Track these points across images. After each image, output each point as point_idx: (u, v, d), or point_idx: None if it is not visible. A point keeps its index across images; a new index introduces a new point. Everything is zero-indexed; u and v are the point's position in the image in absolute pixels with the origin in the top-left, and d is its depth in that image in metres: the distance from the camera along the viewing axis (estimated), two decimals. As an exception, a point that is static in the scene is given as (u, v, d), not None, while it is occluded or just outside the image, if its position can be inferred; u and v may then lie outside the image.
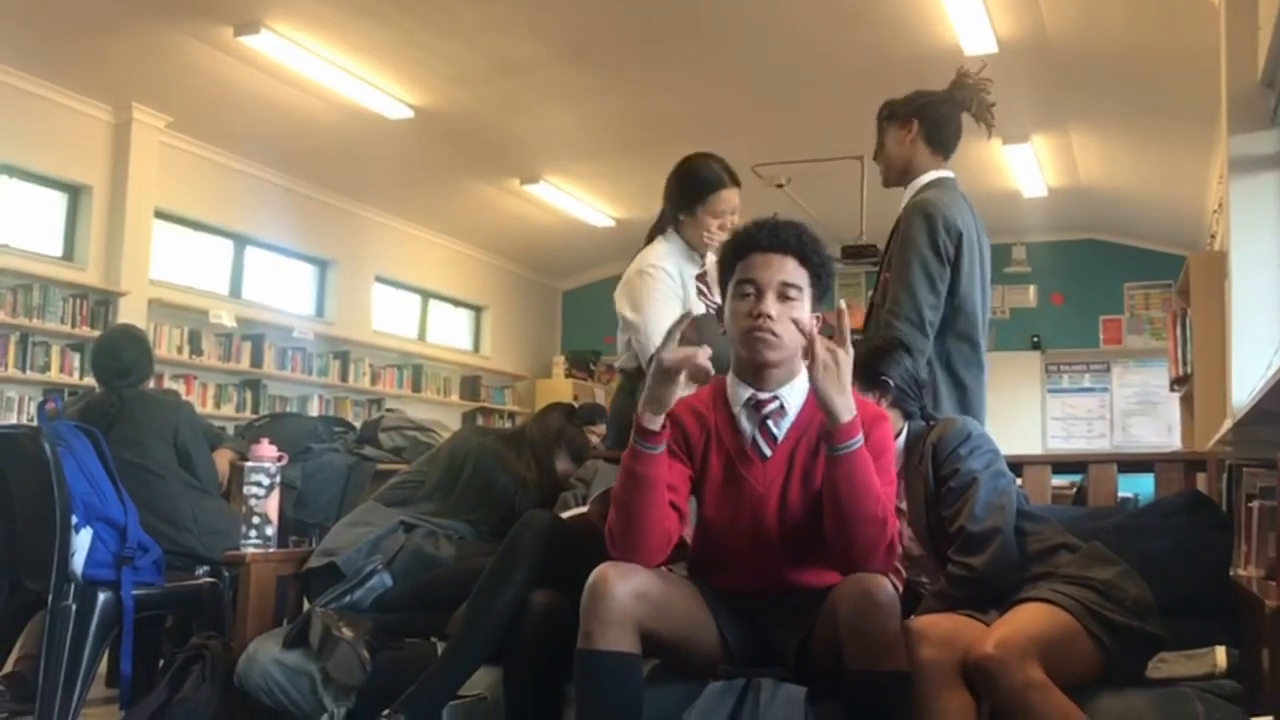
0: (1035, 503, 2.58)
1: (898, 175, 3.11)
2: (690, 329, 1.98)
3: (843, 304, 1.96)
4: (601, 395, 11.21)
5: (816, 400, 1.94)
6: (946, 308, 2.91)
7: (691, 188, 3.20)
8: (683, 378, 1.94)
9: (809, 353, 1.93)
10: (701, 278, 3.29)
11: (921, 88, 3.11)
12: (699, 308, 3.18)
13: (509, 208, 9.30)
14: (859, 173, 6.84)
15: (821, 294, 2.09)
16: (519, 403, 11.01)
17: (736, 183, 3.22)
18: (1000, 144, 7.60)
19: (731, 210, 3.20)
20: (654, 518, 1.96)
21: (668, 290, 3.16)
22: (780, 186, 7.67)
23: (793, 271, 2.04)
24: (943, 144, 3.09)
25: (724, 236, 3.19)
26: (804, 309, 2.04)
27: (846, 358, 1.93)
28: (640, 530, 1.96)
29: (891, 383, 2.45)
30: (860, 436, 1.92)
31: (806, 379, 2.09)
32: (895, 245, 2.94)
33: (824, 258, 2.07)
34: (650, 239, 3.28)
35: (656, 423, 1.95)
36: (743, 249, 2.07)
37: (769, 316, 2.01)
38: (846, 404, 1.92)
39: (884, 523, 1.91)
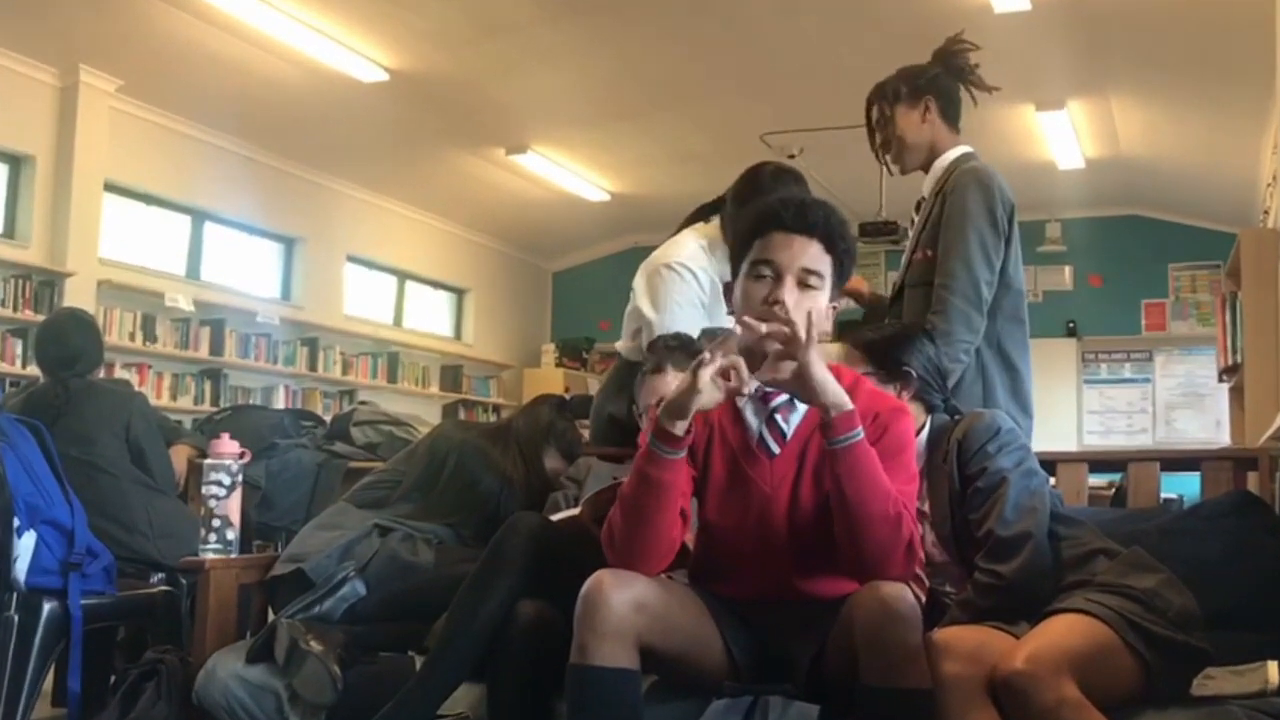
0: (1070, 504, 2.59)
1: (919, 160, 3.15)
2: (727, 348, 1.99)
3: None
4: (595, 387, 11.22)
5: (815, 394, 1.94)
6: (998, 286, 2.96)
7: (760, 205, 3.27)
8: (710, 396, 1.94)
9: (798, 340, 1.93)
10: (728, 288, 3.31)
11: (904, 64, 3.14)
12: (724, 320, 3.20)
13: (494, 180, 9.29)
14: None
15: (839, 284, 2.10)
16: (505, 395, 11.02)
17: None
18: (1033, 111, 7.60)
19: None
20: (664, 525, 1.96)
21: (693, 295, 3.22)
22: (792, 158, 7.65)
23: (816, 257, 2.04)
24: (956, 118, 3.15)
25: None
26: (821, 300, 2.05)
27: (811, 342, 1.93)
28: (648, 538, 1.96)
29: (913, 373, 2.45)
30: (859, 430, 1.93)
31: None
32: (945, 216, 2.98)
33: (850, 245, 2.07)
34: (692, 220, 3.33)
35: (680, 427, 1.95)
36: (763, 225, 2.07)
37: (784, 304, 2.01)
38: (838, 398, 1.93)
39: (897, 521, 1.91)
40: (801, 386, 1.92)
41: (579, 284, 11.60)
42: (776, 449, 2.09)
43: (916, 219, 3.20)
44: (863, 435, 1.92)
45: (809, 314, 1.97)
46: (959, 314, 2.88)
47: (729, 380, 1.92)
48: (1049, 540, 2.22)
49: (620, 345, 3.38)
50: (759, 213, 2.09)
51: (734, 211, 3.26)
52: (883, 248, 9.80)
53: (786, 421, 2.10)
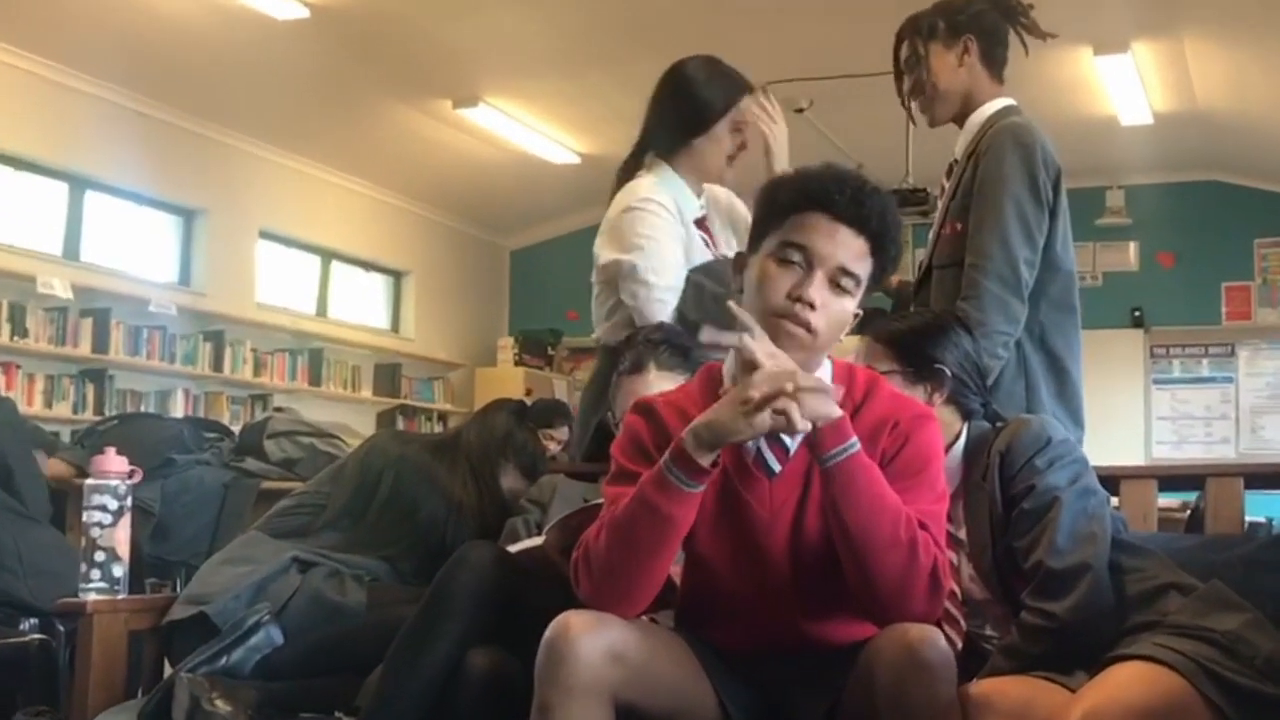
0: (1136, 529, 2.60)
1: (951, 110, 3.17)
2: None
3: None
4: (563, 389, 11.21)
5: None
6: (1041, 266, 2.98)
7: (708, 94, 3.28)
8: (761, 425, 1.95)
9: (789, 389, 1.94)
10: (703, 224, 3.34)
11: None
12: (701, 258, 3.23)
13: (439, 139, 9.29)
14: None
15: (870, 290, 2.12)
16: (453, 400, 11.02)
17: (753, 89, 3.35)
18: (1091, 54, 7.63)
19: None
20: (660, 566, 1.98)
21: (670, 229, 3.21)
22: (800, 111, 7.67)
23: (859, 257, 2.05)
24: (1000, 64, 3.17)
25: (741, 160, 3.32)
26: (849, 306, 2.07)
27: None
28: (638, 578, 1.97)
29: (947, 371, 2.46)
30: (853, 441, 1.94)
31: (826, 370, 2.10)
32: (977, 182, 3.00)
33: (899, 249, 2.08)
34: (625, 178, 3.32)
35: (710, 458, 1.96)
36: (806, 202, 2.06)
37: (811, 304, 2.02)
38: (822, 409, 1.95)
39: (910, 548, 1.92)
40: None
41: (542, 265, 11.60)
42: (777, 466, 2.10)
43: (947, 185, 3.22)
44: (858, 448, 1.94)
45: (836, 319, 2.03)
46: (994, 300, 2.90)
47: (779, 414, 1.92)
48: (1110, 573, 2.22)
49: (599, 333, 3.38)
50: (804, 185, 2.08)
51: (680, 106, 3.28)
52: (910, 221, 9.79)
53: (790, 434, 2.09)
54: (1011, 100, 3.16)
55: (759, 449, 2.10)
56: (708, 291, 3.07)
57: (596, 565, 1.97)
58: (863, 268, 2.05)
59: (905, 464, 2.02)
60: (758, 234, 2.12)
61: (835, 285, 2.03)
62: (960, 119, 3.17)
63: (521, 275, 11.95)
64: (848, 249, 2.04)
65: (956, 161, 3.19)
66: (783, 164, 3.30)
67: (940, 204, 3.21)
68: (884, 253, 2.07)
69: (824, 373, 2.12)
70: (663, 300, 3.12)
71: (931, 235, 3.20)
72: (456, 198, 10.71)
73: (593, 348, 3.67)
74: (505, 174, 10.01)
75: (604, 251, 3.24)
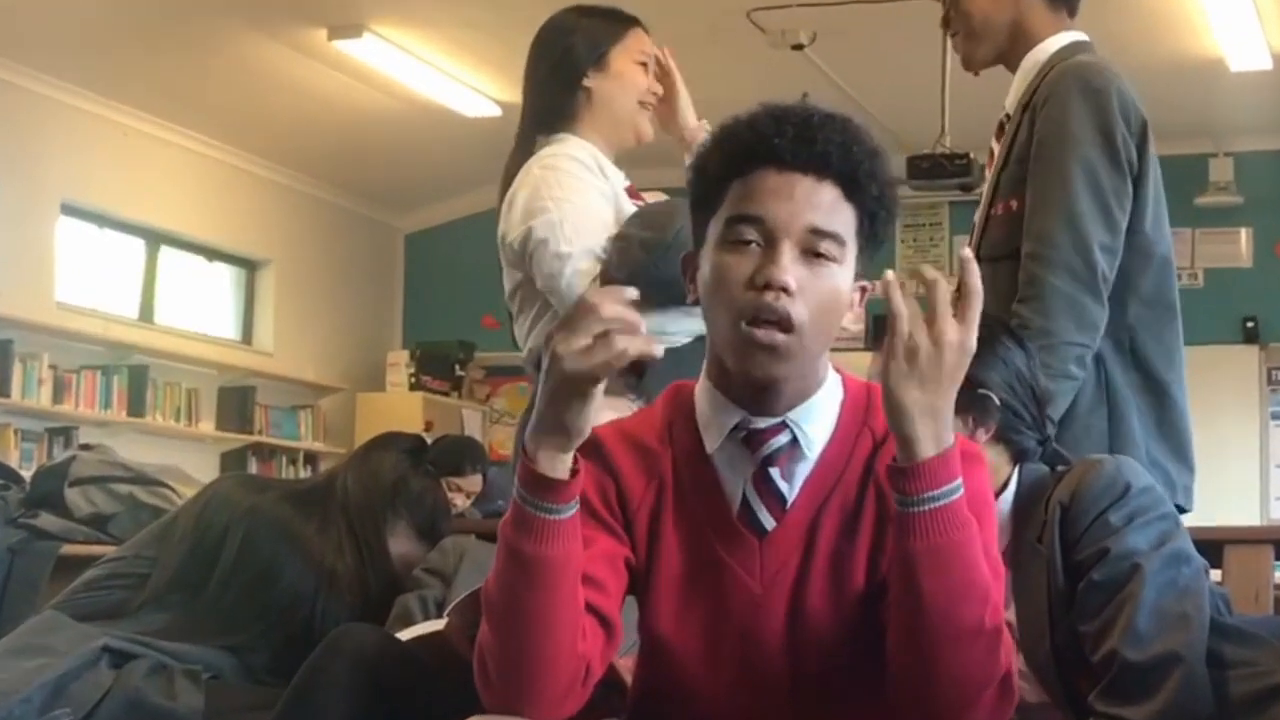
0: (1243, 611, 2.62)
1: (995, 49, 3.23)
2: (629, 248, 1.99)
3: (890, 275, 1.98)
4: (476, 423, 11.20)
5: (888, 414, 1.95)
6: (1125, 252, 3.04)
7: (588, 28, 3.53)
8: (599, 386, 1.93)
9: (887, 332, 1.94)
10: (636, 194, 3.48)
11: None
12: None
13: (309, 82, 9.29)
14: (938, 24, 6.88)
15: (870, 252, 2.12)
16: (325, 435, 11.00)
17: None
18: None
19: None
20: (558, 639, 1.95)
21: (590, 183, 3.36)
22: (799, 49, 7.73)
23: (832, 209, 2.04)
24: None
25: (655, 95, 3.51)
26: (842, 277, 2.06)
27: (955, 342, 1.95)
28: (532, 661, 1.95)
29: (993, 397, 2.49)
30: (958, 483, 1.93)
31: (836, 391, 2.11)
32: (1035, 143, 3.04)
33: (887, 186, 2.08)
34: (513, 169, 3.47)
35: (559, 463, 1.95)
36: (741, 160, 2.07)
37: (785, 289, 2.02)
38: (932, 427, 1.93)
39: (992, 641, 1.93)
40: (922, 385, 1.93)
41: (450, 254, 11.60)
42: (770, 522, 2.10)
43: (997, 149, 3.24)
44: (961, 494, 1.94)
45: (824, 301, 2.00)
46: (1062, 300, 2.93)
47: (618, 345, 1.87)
48: (1211, 668, 2.24)
49: (528, 345, 3.42)
50: (734, 139, 2.09)
51: (563, 57, 3.50)
52: (945, 199, 9.89)
53: (788, 476, 2.10)
54: (1081, 34, 3.19)
55: (746, 497, 2.10)
56: (636, 241, 3.14)
57: (487, 653, 1.98)
58: (841, 221, 2.05)
59: None
60: (698, 223, 2.13)
61: (812, 253, 2.03)
62: (1011, 60, 3.21)
63: (421, 267, 11.95)
64: (812, 202, 2.04)
65: (1008, 117, 3.22)
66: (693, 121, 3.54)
67: (989, 175, 3.24)
68: (863, 193, 2.07)
69: (831, 393, 2.12)
70: (585, 274, 3.18)
71: (978, 216, 3.23)
72: (333, 162, 10.71)
73: (520, 366, 3.69)
74: (399, 130, 10.01)
75: (507, 229, 3.38)
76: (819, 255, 2.03)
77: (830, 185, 2.05)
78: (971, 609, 1.92)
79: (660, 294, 2.76)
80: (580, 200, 3.29)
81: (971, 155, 7.20)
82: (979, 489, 2.07)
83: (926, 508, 1.92)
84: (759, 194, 2.05)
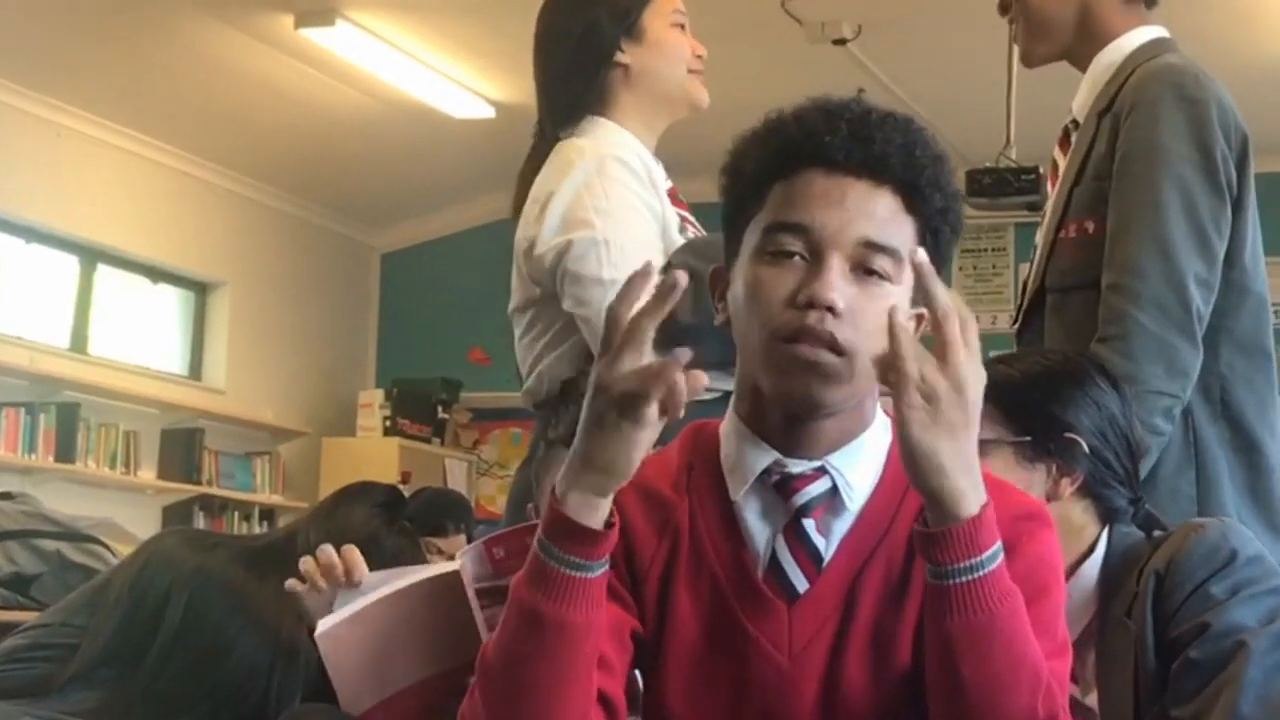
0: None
1: (1059, 45, 3.25)
2: (667, 290, 1.95)
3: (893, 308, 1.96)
4: (461, 474, 11.19)
5: (906, 468, 1.94)
6: (1220, 288, 3.03)
7: (617, 2, 3.48)
8: (653, 411, 1.91)
9: (889, 369, 1.93)
10: (678, 199, 3.46)
11: None
12: (679, 240, 3.32)
13: (273, 77, 9.33)
14: (1000, 25, 6.90)
15: (938, 264, 2.10)
16: (283, 487, 11.02)
17: None
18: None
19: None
20: (564, 713, 1.96)
21: (640, 195, 3.32)
22: (842, 43, 7.75)
23: (889, 221, 2.04)
24: None
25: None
26: (899, 299, 2.03)
27: (972, 377, 1.93)
28: None
29: (1081, 443, 2.49)
30: (999, 546, 1.92)
31: (883, 436, 2.10)
32: (1118, 156, 3.05)
33: (953, 197, 2.09)
34: (544, 146, 3.46)
35: (596, 510, 1.92)
36: (786, 159, 2.07)
37: (831, 309, 2.01)
38: (969, 479, 1.92)
39: None
40: (942, 433, 1.89)
41: (432, 277, 11.66)
42: (802, 584, 2.09)
43: (1061, 162, 3.24)
44: (1000, 562, 1.92)
45: (877, 327, 1.96)
46: (1150, 342, 2.93)
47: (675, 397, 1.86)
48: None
49: (534, 378, 3.43)
50: (779, 137, 2.10)
51: (586, 29, 3.46)
52: (1011, 218, 9.90)
53: (825, 531, 2.10)
54: (1161, 30, 3.20)
55: (775, 555, 2.10)
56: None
57: None
58: (900, 236, 2.04)
59: None
60: (732, 233, 2.13)
61: (864, 271, 2.02)
62: (1079, 58, 3.21)
63: (399, 293, 11.98)
64: (867, 211, 2.03)
65: (1076, 124, 3.22)
66: None
67: (1053, 193, 3.24)
68: (926, 205, 2.06)
69: (878, 437, 2.11)
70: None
71: (1042, 239, 3.23)
72: (299, 169, 10.74)
73: (517, 408, 3.69)
74: (376, 133, 10.05)
75: (536, 236, 3.32)
76: (872, 273, 2.03)
77: (888, 193, 2.05)
78: (1019, 696, 1.92)
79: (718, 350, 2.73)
80: (629, 218, 3.27)
81: (1041, 170, 7.19)
82: (1044, 555, 2.07)
83: (967, 578, 1.91)
84: (805, 199, 2.05)
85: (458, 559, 2.46)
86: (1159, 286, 2.96)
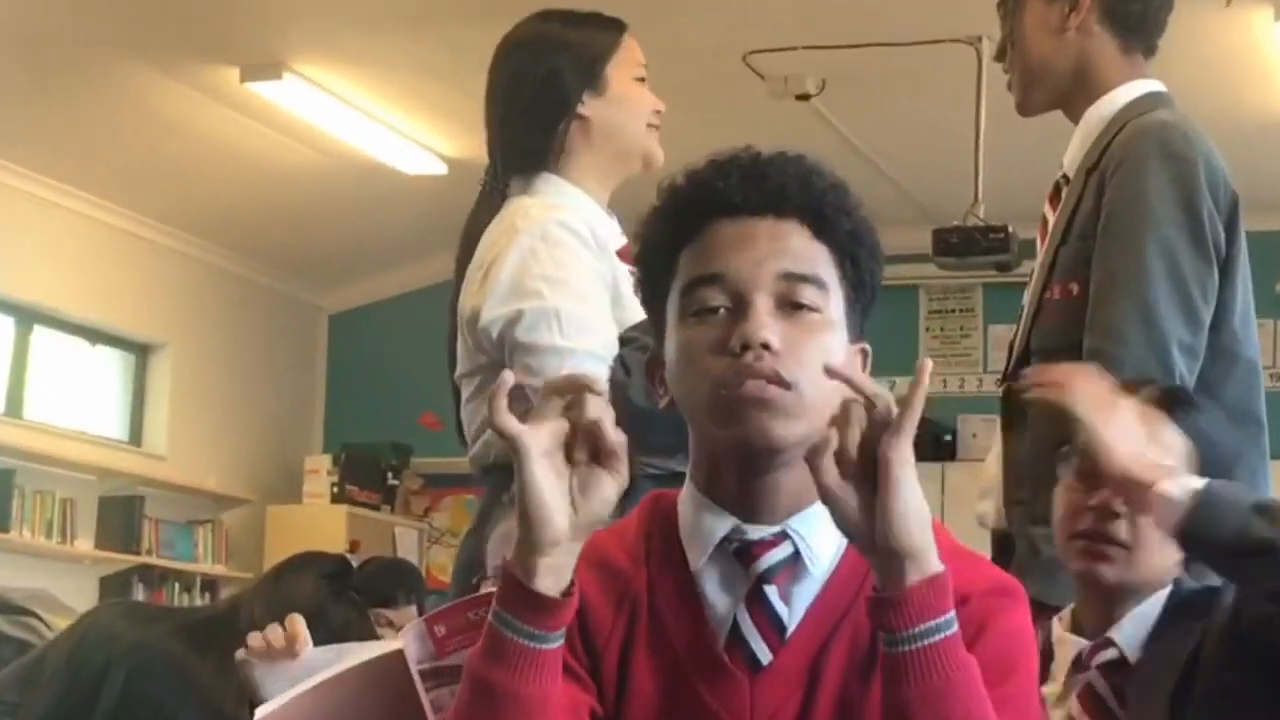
0: None
1: (1052, 95, 3.27)
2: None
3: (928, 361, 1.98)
4: (412, 542, 11.15)
5: (846, 531, 1.95)
6: (1208, 355, 3.05)
7: (583, 52, 3.48)
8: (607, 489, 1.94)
9: (837, 419, 1.94)
10: (629, 256, 3.42)
11: None
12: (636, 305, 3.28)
13: (217, 131, 9.33)
14: (971, 72, 6.92)
15: (864, 302, 2.14)
16: (228, 556, 10.98)
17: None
18: (1271, 18, 7.76)
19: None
20: None
21: (589, 262, 3.32)
22: (805, 99, 7.77)
23: (805, 251, 2.07)
24: (1138, 28, 3.26)
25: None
26: (835, 331, 2.07)
27: (903, 435, 1.94)
28: None
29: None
30: (952, 613, 1.93)
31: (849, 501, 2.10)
32: (1104, 215, 3.07)
33: (862, 225, 2.11)
34: (489, 205, 3.47)
35: (545, 573, 1.92)
36: (688, 218, 2.11)
37: (768, 346, 2.03)
38: (924, 537, 1.93)
39: None
40: (891, 491, 1.91)
41: (382, 339, 11.66)
42: (765, 655, 2.08)
43: (1051, 219, 3.26)
44: (954, 630, 1.94)
45: (817, 359, 1.99)
46: None
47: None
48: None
49: (477, 448, 3.43)
50: (675, 199, 2.14)
51: (522, 119, 3.47)
52: (979, 278, 9.92)
53: (788, 598, 2.09)
54: (1157, 84, 3.21)
55: (736, 624, 2.09)
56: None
57: None
58: (817, 263, 2.08)
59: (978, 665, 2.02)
60: (654, 312, 2.16)
61: (791, 306, 2.05)
62: (1073, 109, 3.23)
63: (348, 354, 11.97)
64: (779, 245, 2.07)
65: (1066, 179, 3.23)
66: None
67: (1041, 250, 3.25)
68: (834, 229, 2.09)
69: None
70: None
71: (1028, 301, 3.24)
72: (243, 227, 10.73)
73: (467, 474, 3.68)
74: (324, 190, 10.07)
75: (480, 307, 3.31)
76: (800, 307, 2.05)
77: (795, 224, 2.08)
78: None
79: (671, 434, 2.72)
80: (579, 286, 3.26)
81: (1010, 229, 7.22)
82: (1015, 630, 2.07)
83: (908, 647, 1.92)
84: (715, 250, 2.08)
85: (401, 637, 2.47)
86: (1141, 353, 2.96)
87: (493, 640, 1.94)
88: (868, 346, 2.13)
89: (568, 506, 1.94)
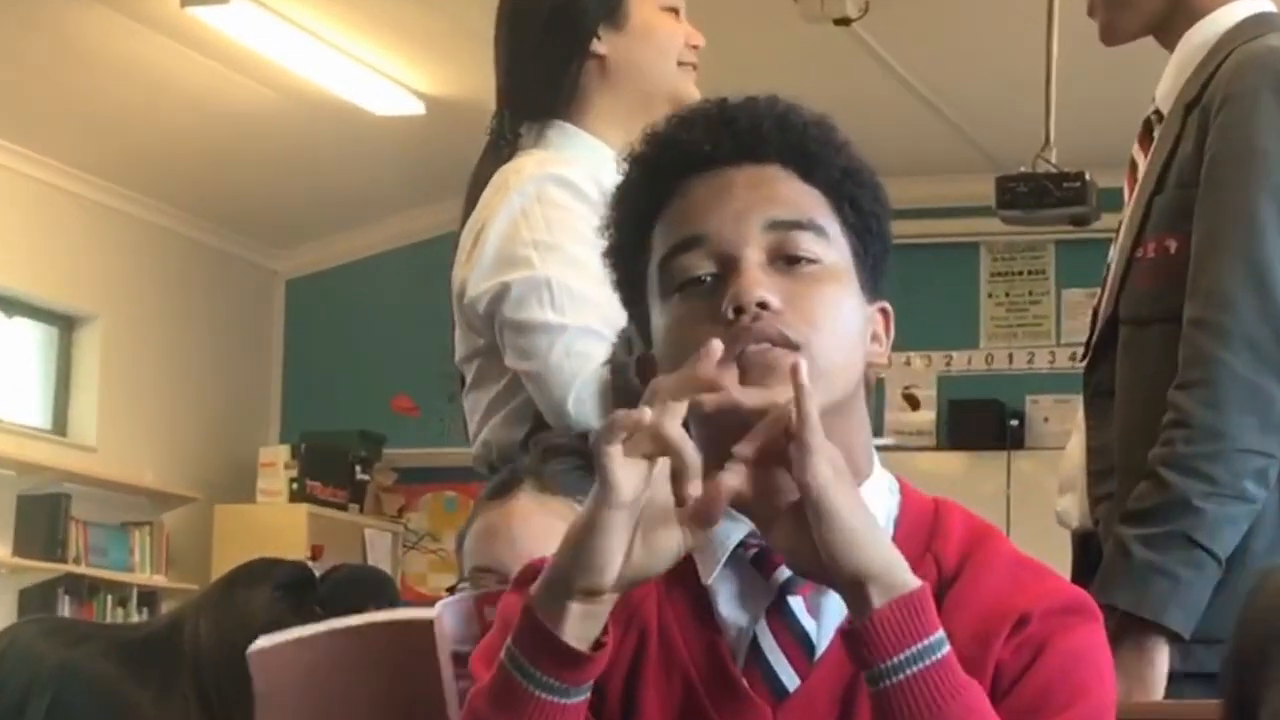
0: None
1: (1146, 17, 3.25)
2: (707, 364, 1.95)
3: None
4: (384, 548, 11.19)
5: (829, 540, 1.93)
6: None
7: None
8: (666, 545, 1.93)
9: (791, 425, 1.92)
10: None
11: None
12: None
13: (154, 66, 9.38)
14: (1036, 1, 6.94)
15: (876, 254, 2.14)
16: (165, 565, 11.05)
17: None
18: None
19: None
20: None
21: (590, 230, 3.24)
22: (844, 23, 7.77)
23: (792, 195, 2.08)
24: None
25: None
26: (844, 284, 2.08)
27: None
28: None
29: None
30: (939, 634, 1.93)
31: (886, 496, 2.12)
32: (1207, 158, 3.04)
33: (856, 163, 2.12)
34: (497, 153, 3.45)
35: (583, 623, 1.93)
36: (656, 180, 2.12)
37: (764, 305, 2.03)
38: (878, 555, 1.93)
39: None
40: (790, 533, 1.92)
41: (349, 309, 11.71)
42: (792, 679, 2.08)
43: (1142, 163, 3.25)
44: (945, 652, 1.93)
45: (826, 316, 2.01)
46: (1240, 390, 2.93)
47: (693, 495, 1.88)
48: None
49: (479, 442, 3.43)
50: (635, 165, 2.15)
51: (533, 56, 3.45)
52: (1051, 234, 9.91)
53: (816, 612, 2.10)
54: (1268, 4, 3.20)
55: (756, 644, 2.10)
56: None
57: None
58: (810, 208, 2.08)
59: (1036, 696, 2.01)
60: (637, 305, 2.17)
61: (786, 261, 2.05)
62: (1167, 34, 3.22)
63: (309, 327, 12.05)
64: (762, 193, 2.07)
65: (1159, 115, 3.22)
66: None
67: (1130, 201, 3.24)
68: (825, 168, 2.10)
69: (877, 494, 2.11)
70: (583, 356, 3.18)
71: (1115, 260, 3.23)
72: (186, 178, 10.77)
73: (452, 467, 3.69)
74: (281, 134, 10.12)
75: (468, 278, 3.32)
76: (797, 259, 2.06)
77: (777, 168, 2.09)
78: None
79: None
80: (577, 252, 3.21)
81: (1088, 176, 7.20)
82: (1085, 650, 2.05)
83: (890, 681, 1.91)
84: (690, 211, 2.08)
85: (435, 609, 2.46)
86: (1252, 322, 2.93)
87: (505, 686, 1.94)
88: (888, 306, 2.12)
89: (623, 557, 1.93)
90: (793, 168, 2.08)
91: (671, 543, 1.93)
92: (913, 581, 1.92)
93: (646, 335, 2.15)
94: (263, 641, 2.50)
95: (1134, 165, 3.23)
